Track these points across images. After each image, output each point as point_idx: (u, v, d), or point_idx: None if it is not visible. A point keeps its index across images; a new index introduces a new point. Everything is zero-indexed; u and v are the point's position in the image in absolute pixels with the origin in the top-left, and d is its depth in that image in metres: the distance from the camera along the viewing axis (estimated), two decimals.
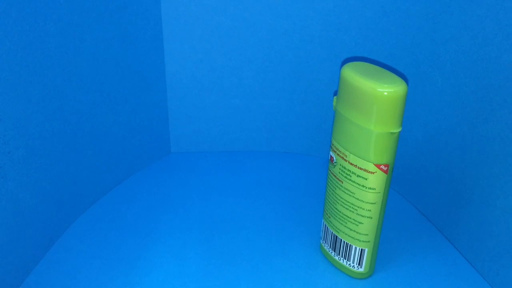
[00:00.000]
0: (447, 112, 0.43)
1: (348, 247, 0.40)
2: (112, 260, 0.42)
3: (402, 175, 0.49)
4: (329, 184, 0.40)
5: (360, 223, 0.39)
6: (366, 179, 0.37)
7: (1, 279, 0.37)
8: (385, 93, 0.34)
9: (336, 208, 0.40)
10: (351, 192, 0.38)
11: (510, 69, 0.37)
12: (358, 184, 0.37)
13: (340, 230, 0.40)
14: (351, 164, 0.37)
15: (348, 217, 0.39)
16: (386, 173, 0.37)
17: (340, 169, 0.38)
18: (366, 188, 0.37)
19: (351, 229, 0.39)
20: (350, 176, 0.37)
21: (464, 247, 0.44)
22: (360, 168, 0.37)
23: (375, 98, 0.34)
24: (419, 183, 0.48)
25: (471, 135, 0.41)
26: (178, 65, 0.51)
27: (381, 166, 0.36)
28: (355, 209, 0.38)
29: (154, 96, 0.52)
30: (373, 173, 0.36)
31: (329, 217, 0.41)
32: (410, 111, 0.45)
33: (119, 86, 0.47)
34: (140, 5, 0.47)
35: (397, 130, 0.35)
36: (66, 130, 0.42)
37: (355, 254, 0.40)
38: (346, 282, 0.41)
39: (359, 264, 0.40)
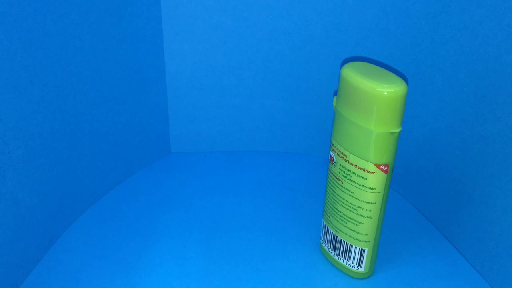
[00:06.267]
0: (447, 112, 0.43)
1: (348, 247, 0.40)
2: (112, 260, 0.42)
3: (402, 175, 0.49)
4: (329, 184, 0.40)
5: (360, 223, 0.39)
6: (366, 179, 0.37)
7: (1, 279, 0.37)
8: (385, 93, 0.34)
9: (336, 208, 0.40)
10: (351, 192, 0.38)
11: (510, 69, 0.37)
12: (358, 184, 0.37)
13: (340, 230, 0.40)
14: (351, 164, 0.37)
15: (348, 217, 0.39)
16: (386, 173, 0.37)
17: (340, 169, 0.38)
18: (366, 188, 0.37)
19: (351, 229, 0.39)
20: (350, 176, 0.37)
21: (464, 247, 0.44)
22: (360, 168, 0.37)
23: (375, 98, 0.34)
24: (419, 183, 0.48)
25: (471, 135, 0.41)
26: (178, 65, 0.51)
27: (381, 166, 0.36)
28: (355, 209, 0.38)
29: (154, 96, 0.52)
30: (373, 173, 0.36)
31: (329, 217, 0.41)
32: (410, 111, 0.45)
33: (119, 86, 0.47)
34: (140, 5, 0.47)
35: (397, 130, 0.35)
36: (66, 130, 0.42)
37: (355, 254, 0.40)
38: (346, 282, 0.41)
39: (359, 264, 0.40)
